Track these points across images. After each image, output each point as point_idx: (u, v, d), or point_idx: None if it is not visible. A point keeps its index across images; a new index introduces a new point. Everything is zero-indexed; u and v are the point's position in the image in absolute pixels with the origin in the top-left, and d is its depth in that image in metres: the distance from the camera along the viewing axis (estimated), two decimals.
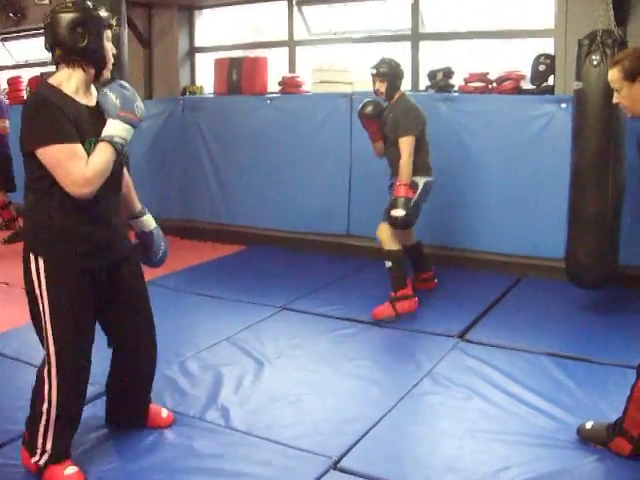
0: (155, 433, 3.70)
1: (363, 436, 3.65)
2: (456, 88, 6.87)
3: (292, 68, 8.08)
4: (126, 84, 3.29)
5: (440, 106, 6.66)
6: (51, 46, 3.17)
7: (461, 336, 5.04)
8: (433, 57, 7.18)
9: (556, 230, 5.79)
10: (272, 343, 5.03)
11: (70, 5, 3.16)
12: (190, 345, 4.95)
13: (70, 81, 3.14)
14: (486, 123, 6.44)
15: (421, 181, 5.48)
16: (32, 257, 3.16)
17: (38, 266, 3.14)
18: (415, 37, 7.27)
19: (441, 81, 6.84)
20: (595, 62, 4.98)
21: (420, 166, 5.47)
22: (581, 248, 5.29)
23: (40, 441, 3.26)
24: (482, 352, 4.72)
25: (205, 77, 8.70)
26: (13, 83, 10.27)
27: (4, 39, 10.86)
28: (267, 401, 4.08)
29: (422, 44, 7.26)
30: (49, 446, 3.25)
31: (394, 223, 5.33)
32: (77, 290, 3.20)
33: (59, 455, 3.28)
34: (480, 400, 4.02)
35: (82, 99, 3.17)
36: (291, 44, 8.06)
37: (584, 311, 5.50)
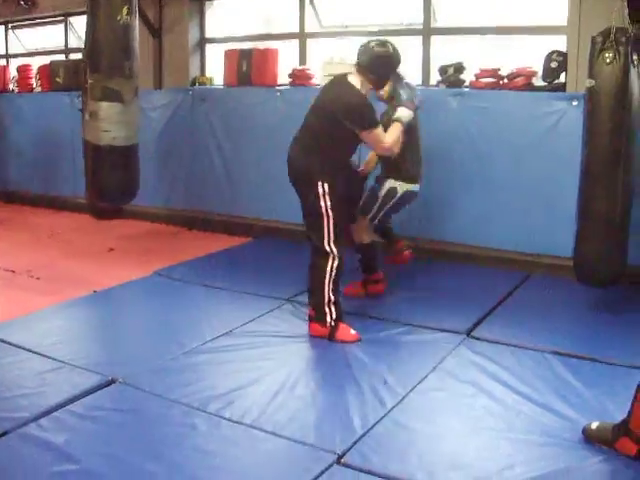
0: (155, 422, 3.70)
1: (367, 431, 3.64)
2: (467, 83, 6.84)
3: (302, 60, 8.05)
4: (410, 82, 5.18)
5: (450, 101, 6.63)
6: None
7: (467, 333, 5.02)
8: (445, 52, 7.13)
9: (565, 228, 5.75)
10: (278, 336, 5.01)
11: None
12: (195, 336, 4.94)
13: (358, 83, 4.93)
14: (496, 119, 6.40)
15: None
16: (320, 184, 4.87)
17: (325, 189, 4.86)
18: (427, 31, 7.23)
19: (452, 76, 6.80)
20: (608, 60, 4.94)
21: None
22: (590, 246, 5.25)
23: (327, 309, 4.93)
24: (488, 349, 4.70)
25: (215, 68, 8.67)
26: (23, 71, 10.28)
27: (14, 27, 10.87)
28: (271, 395, 4.06)
29: (433, 39, 7.22)
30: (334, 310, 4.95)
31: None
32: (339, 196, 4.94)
33: (340, 316, 4.98)
34: (485, 397, 4.00)
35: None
36: (302, 36, 8.03)
37: (592, 310, 5.47)
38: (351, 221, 5.48)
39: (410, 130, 5.22)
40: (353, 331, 4.95)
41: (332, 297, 4.94)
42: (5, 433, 3.58)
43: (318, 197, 4.85)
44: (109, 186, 7.27)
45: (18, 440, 3.52)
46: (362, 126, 4.81)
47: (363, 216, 5.52)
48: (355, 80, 4.88)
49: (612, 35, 4.93)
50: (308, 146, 5.05)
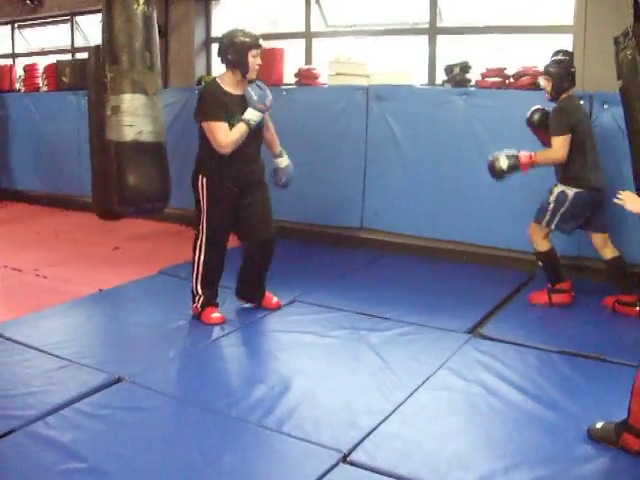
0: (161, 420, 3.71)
1: (373, 430, 3.65)
2: (473, 83, 6.83)
3: (308, 60, 8.05)
4: (262, 84, 5.07)
5: (456, 100, 6.63)
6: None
7: (473, 332, 5.03)
8: (451, 52, 7.13)
9: None
10: (284, 335, 5.03)
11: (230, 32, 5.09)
12: (201, 334, 4.97)
13: (225, 79, 5.12)
14: (502, 118, 6.40)
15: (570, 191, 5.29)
16: (200, 177, 5.25)
17: (203, 183, 5.23)
18: (432, 31, 7.23)
19: (458, 75, 6.80)
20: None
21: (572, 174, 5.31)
22: None
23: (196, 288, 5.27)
24: (494, 348, 4.70)
25: (221, 67, 8.65)
26: (29, 70, 10.30)
27: (20, 26, 10.89)
28: (278, 393, 4.07)
29: (439, 38, 7.22)
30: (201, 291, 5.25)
31: (490, 168, 5.42)
32: (223, 195, 5.20)
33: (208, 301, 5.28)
34: (491, 396, 4.00)
35: (233, 91, 5.06)
36: (308, 36, 8.04)
37: (597, 309, 5.47)
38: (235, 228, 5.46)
39: (581, 134, 5.21)
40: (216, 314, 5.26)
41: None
42: (12, 431, 3.59)
43: (197, 189, 5.31)
44: (138, 188, 6.42)
45: (25, 438, 3.53)
46: (196, 116, 5.13)
47: (536, 222, 5.47)
48: (223, 76, 5.17)
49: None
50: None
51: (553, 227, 5.39)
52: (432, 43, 7.22)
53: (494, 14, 7.02)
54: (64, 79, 9.57)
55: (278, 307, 5.50)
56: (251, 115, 4.95)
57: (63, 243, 7.90)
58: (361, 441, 3.53)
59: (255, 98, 4.95)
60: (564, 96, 5.28)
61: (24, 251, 7.41)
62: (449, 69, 6.89)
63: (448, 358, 4.55)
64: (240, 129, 4.94)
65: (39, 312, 5.43)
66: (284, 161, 5.51)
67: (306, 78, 7.70)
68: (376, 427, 3.67)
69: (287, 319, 5.33)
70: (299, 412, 3.85)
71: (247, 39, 4.99)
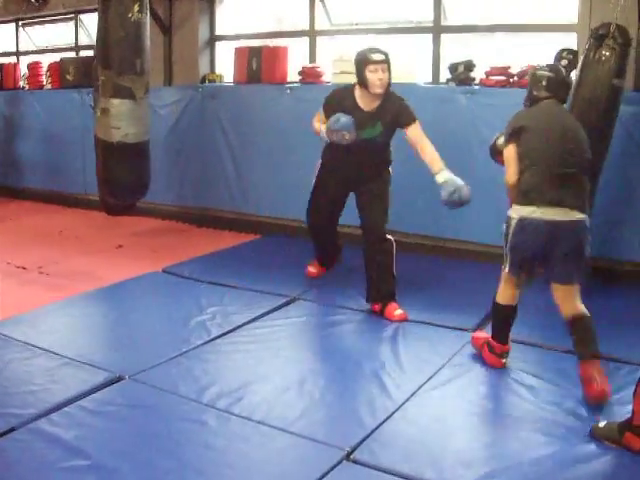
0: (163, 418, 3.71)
1: (377, 428, 3.64)
2: (477, 81, 6.82)
3: (312, 58, 8.05)
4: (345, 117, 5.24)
5: (460, 99, 6.63)
6: None
7: (476, 330, 5.01)
8: (455, 50, 7.12)
9: None
10: (285, 333, 5.03)
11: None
12: (203, 333, 4.95)
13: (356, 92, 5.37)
14: (506, 117, 6.31)
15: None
16: (389, 173, 5.57)
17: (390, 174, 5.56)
18: (437, 29, 7.22)
19: (462, 74, 6.79)
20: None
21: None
22: None
23: None
24: None
25: (225, 65, 8.68)
26: (33, 68, 10.30)
27: (25, 24, 10.88)
28: (281, 391, 4.07)
29: (444, 37, 7.21)
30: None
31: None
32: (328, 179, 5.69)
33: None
34: (495, 395, 4.01)
35: (362, 104, 5.33)
36: (312, 34, 8.03)
37: (603, 308, 5.43)
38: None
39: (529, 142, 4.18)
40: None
41: None
42: (13, 429, 3.58)
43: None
44: (120, 183, 7.27)
45: (28, 435, 3.52)
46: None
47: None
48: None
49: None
50: None
51: (506, 270, 4.26)
52: (436, 41, 7.21)
53: (498, 12, 7.01)
54: (68, 77, 9.57)
55: (400, 320, 5.21)
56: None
57: (67, 240, 7.90)
58: (364, 439, 3.52)
59: (331, 123, 5.27)
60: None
61: (28, 248, 7.42)
62: (453, 67, 6.88)
63: (452, 356, 4.55)
64: (321, 130, 5.47)
65: (40, 309, 5.43)
66: (440, 177, 5.11)
67: (310, 76, 7.70)
68: (380, 425, 3.67)
69: (290, 317, 5.33)
70: (302, 410, 3.85)
71: (362, 57, 5.20)
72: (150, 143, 7.37)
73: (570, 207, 3.98)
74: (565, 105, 4.43)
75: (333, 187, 5.67)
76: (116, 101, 6.91)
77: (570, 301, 4.11)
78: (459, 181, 5.04)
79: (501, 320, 4.41)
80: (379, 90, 5.19)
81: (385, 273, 5.38)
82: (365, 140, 5.28)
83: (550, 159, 4.03)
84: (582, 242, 4.05)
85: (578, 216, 4.00)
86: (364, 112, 5.29)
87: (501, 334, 4.39)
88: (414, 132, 5.27)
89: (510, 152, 4.23)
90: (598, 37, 5.22)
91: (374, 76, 5.14)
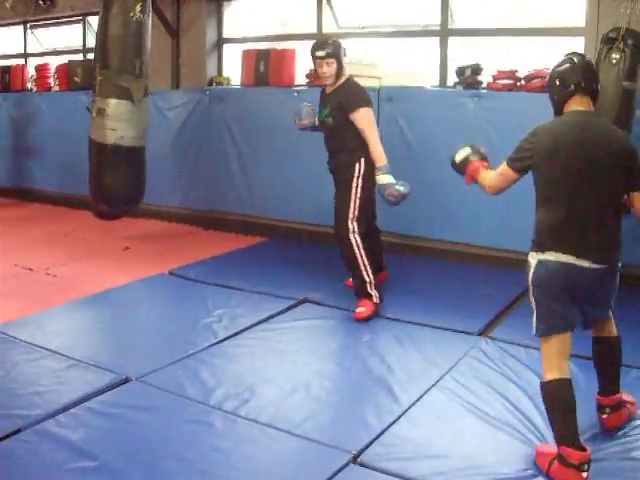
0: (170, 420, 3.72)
1: (383, 431, 3.64)
2: (484, 85, 6.82)
3: None
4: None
5: (467, 102, 6.62)
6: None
7: (483, 334, 5.01)
8: (463, 54, 7.12)
9: None
10: (292, 335, 5.03)
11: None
12: (209, 335, 4.96)
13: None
14: (514, 121, 6.36)
15: None
16: (357, 164, 5.35)
17: (360, 166, 5.35)
18: (444, 33, 7.22)
19: (469, 77, 6.79)
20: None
21: None
22: None
23: None
24: (504, 350, 4.69)
25: (232, 68, 8.68)
26: (41, 70, 10.34)
27: (33, 27, 10.92)
28: (287, 393, 4.07)
29: (451, 40, 7.21)
30: None
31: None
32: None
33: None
34: (502, 399, 3.98)
35: (326, 89, 5.62)
36: (319, 37, 8.02)
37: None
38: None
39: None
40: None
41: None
42: (19, 430, 3.59)
43: None
44: (112, 189, 7.04)
45: (35, 436, 3.53)
46: None
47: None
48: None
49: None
50: None
51: (538, 333, 3.49)
52: (444, 45, 7.21)
53: (505, 16, 7.00)
54: (76, 79, 9.59)
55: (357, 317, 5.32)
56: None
57: (74, 243, 7.91)
58: (371, 442, 3.52)
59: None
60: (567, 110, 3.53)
61: (35, 250, 7.43)
62: (460, 71, 6.88)
63: (458, 360, 4.54)
64: None
65: (47, 311, 5.44)
66: (381, 179, 5.34)
67: (317, 79, 7.68)
68: (386, 429, 3.67)
69: (296, 320, 5.33)
70: (308, 413, 3.85)
71: (310, 52, 5.59)
72: (157, 145, 7.34)
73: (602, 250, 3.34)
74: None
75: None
76: (113, 101, 6.76)
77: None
78: (389, 180, 5.31)
79: (560, 409, 3.27)
80: (326, 81, 5.51)
81: (351, 270, 5.52)
82: (322, 123, 5.58)
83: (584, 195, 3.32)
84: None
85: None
86: (325, 94, 5.63)
87: (568, 430, 3.22)
88: (357, 119, 5.37)
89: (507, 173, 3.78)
90: (608, 40, 5.21)
91: (319, 70, 5.49)
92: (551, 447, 3.32)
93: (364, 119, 5.36)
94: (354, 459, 3.38)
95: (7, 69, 10.76)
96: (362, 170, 5.38)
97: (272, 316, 5.37)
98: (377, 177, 5.33)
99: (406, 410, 3.87)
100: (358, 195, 5.39)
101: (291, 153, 7.73)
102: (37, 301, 5.68)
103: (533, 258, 3.43)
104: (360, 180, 5.38)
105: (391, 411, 3.85)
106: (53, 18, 10.36)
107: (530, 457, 3.39)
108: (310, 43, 7.94)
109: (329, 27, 8.00)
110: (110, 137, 6.81)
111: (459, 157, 4.07)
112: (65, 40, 10.62)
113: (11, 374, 4.29)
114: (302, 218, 7.71)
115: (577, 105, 3.46)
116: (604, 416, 3.61)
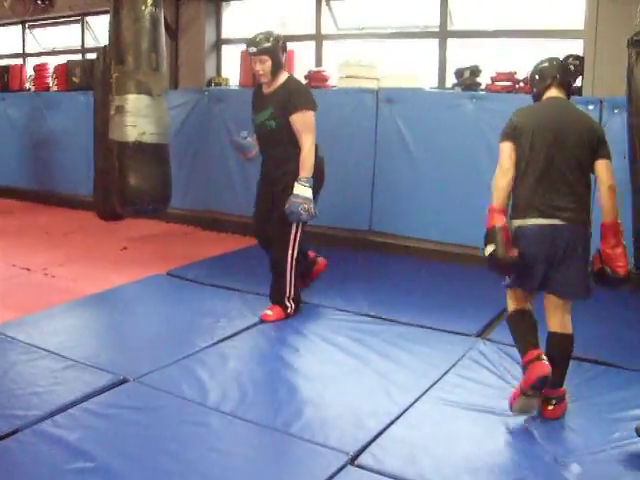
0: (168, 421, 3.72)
1: (381, 433, 3.64)
2: (483, 87, 6.82)
3: (319, 62, 8.05)
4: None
5: (466, 104, 6.63)
6: None
7: (481, 335, 5.02)
8: (462, 56, 7.12)
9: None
10: (291, 337, 5.03)
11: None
12: (208, 336, 4.95)
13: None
14: None
15: None
16: None
17: None
18: (443, 34, 7.23)
19: (468, 79, 6.79)
20: None
21: None
22: None
23: None
24: (502, 352, 4.68)
25: (231, 69, 8.68)
26: (39, 70, 10.33)
27: (31, 26, 10.91)
28: (285, 394, 4.08)
29: (450, 41, 7.21)
30: None
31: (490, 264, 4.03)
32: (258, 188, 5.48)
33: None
34: (500, 400, 3.97)
35: (263, 88, 5.20)
36: (318, 38, 8.04)
37: (612, 313, 5.42)
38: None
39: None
40: None
41: None
42: (17, 430, 3.59)
43: None
44: (138, 190, 6.63)
45: (33, 437, 3.52)
46: None
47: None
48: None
49: None
50: None
51: (508, 285, 4.00)
52: (442, 46, 7.22)
53: (504, 17, 7.00)
54: (74, 79, 9.59)
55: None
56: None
57: (72, 243, 7.90)
58: (369, 444, 3.52)
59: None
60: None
61: (33, 250, 7.42)
62: (459, 72, 6.89)
63: (456, 361, 4.55)
64: None
65: (45, 311, 5.44)
66: (297, 187, 5.00)
67: (316, 80, 7.70)
68: (383, 430, 3.67)
69: (294, 321, 5.33)
70: (306, 414, 3.85)
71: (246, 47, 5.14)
72: None
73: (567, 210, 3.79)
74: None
75: (261, 187, 5.49)
76: (132, 97, 6.47)
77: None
78: (309, 195, 5.01)
79: (518, 329, 3.93)
80: (262, 80, 5.15)
81: (275, 275, 5.41)
82: (260, 127, 5.21)
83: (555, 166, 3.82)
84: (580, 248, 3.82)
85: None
86: (263, 95, 5.23)
87: (527, 342, 3.82)
88: (296, 121, 5.04)
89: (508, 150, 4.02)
90: (635, 43, 5.10)
91: (253, 68, 5.13)
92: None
93: (305, 122, 5.04)
94: (351, 460, 3.37)
95: (6, 69, 10.76)
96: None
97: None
98: (295, 186, 4.98)
99: (404, 411, 3.87)
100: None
101: None
102: (35, 301, 5.67)
103: (512, 225, 3.95)
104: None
105: (389, 412, 3.85)
106: (51, 18, 10.35)
107: (529, 459, 3.39)
108: (310, 44, 8.01)
109: (328, 28, 8.01)
110: (131, 134, 6.49)
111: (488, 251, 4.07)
112: (64, 40, 10.62)
113: (9, 374, 4.29)
114: None
115: (553, 94, 4.03)
116: (550, 407, 3.83)
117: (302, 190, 4.97)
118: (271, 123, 5.09)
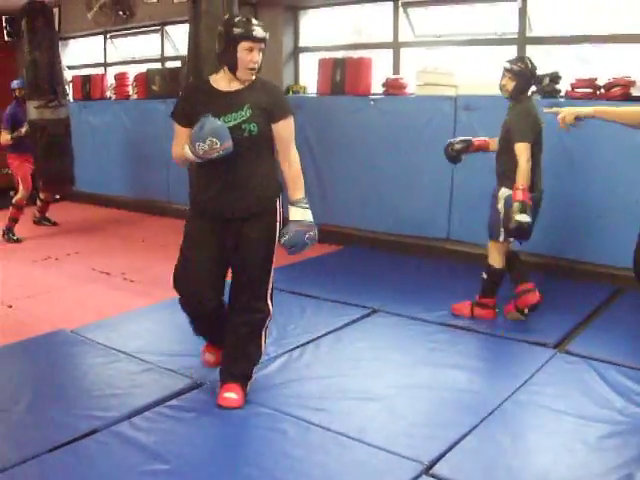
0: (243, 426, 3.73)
1: (456, 443, 3.59)
2: (563, 94, 6.71)
3: (396, 70, 8.03)
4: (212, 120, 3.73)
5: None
6: None
7: (559, 346, 4.92)
8: (540, 62, 7.01)
9: None
10: (365, 344, 5.01)
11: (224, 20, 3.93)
12: (283, 343, 4.97)
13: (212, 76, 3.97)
14: (593, 130, 6.24)
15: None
16: (277, 201, 4.07)
17: (280, 203, 4.08)
18: (522, 41, 7.13)
19: (547, 86, 6.68)
20: None
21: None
22: None
23: None
24: (581, 364, 4.59)
25: (308, 76, 8.71)
26: (120, 79, 10.54)
27: (113, 36, 11.11)
28: (360, 402, 4.06)
29: (529, 48, 7.11)
30: None
31: (519, 229, 4.93)
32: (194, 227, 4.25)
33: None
34: (578, 414, 3.90)
35: (219, 86, 3.88)
36: (396, 45, 8.01)
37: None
38: None
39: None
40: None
41: None
42: (95, 431, 3.66)
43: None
44: None
45: (111, 438, 3.59)
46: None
47: (493, 240, 5.34)
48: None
49: None
50: None
51: (511, 240, 5.24)
52: (521, 53, 7.12)
53: (582, 23, 6.88)
54: (154, 87, 9.75)
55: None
56: (189, 148, 3.81)
57: (150, 248, 8.02)
58: (444, 454, 3.48)
59: (193, 133, 3.76)
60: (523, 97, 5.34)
61: (112, 255, 7.55)
62: (539, 79, 6.77)
63: (534, 373, 4.46)
64: (183, 152, 3.91)
65: (123, 315, 5.52)
66: (295, 213, 4.01)
67: (394, 88, 7.68)
68: (459, 440, 3.62)
69: (368, 329, 5.31)
70: (380, 422, 3.83)
71: (235, 29, 3.74)
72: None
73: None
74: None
75: (206, 235, 4.16)
76: None
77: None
78: (310, 218, 4.04)
79: (496, 281, 5.40)
80: (250, 76, 3.85)
81: (247, 342, 4.09)
82: (236, 131, 3.76)
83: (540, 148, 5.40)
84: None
85: None
86: (224, 94, 3.87)
87: (492, 292, 5.43)
88: (287, 130, 3.96)
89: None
90: None
91: (248, 57, 3.75)
92: (463, 304, 5.53)
93: (292, 131, 4.00)
94: (426, 470, 3.34)
95: (87, 78, 10.99)
96: (280, 210, 4.10)
97: (345, 325, 5.36)
98: (293, 211, 4.00)
99: (481, 421, 3.82)
100: (275, 252, 4.11)
101: (367, 162, 7.72)
102: (114, 304, 5.78)
103: (503, 193, 5.18)
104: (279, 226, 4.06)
105: (463, 423, 3.80)
106: (132, 28, 10.53)
107: (606, 475, 3.30)
108: (386, 51, 7.97)
109: (405, 36, 7.98)
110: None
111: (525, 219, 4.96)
112: (143, 49, 10.80)
113: (88, 376, 4.38)
114: (375, 227, 7.71)
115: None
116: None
117: (304, 214, 3.99)
118: (252, 128, 3.82)
